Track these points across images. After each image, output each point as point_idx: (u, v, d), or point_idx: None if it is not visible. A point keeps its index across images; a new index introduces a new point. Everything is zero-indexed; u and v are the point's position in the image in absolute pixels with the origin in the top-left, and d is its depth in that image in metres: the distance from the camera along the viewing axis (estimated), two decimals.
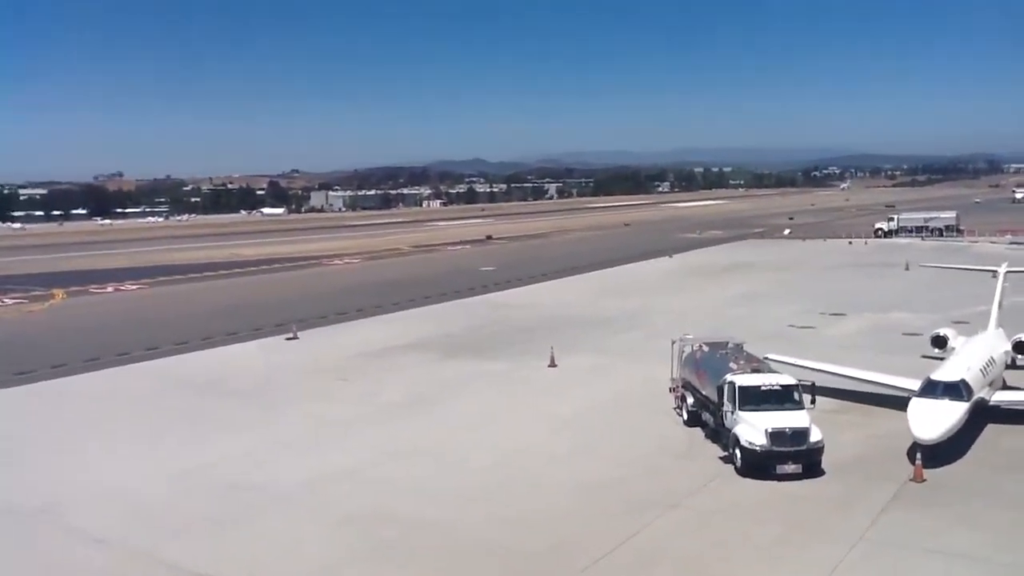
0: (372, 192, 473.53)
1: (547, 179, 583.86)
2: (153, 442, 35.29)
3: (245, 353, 54.70)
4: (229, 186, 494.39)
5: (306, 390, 43.80)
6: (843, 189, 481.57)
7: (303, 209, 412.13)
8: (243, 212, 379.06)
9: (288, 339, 58.10)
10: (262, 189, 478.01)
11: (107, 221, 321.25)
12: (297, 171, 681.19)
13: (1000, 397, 34.89)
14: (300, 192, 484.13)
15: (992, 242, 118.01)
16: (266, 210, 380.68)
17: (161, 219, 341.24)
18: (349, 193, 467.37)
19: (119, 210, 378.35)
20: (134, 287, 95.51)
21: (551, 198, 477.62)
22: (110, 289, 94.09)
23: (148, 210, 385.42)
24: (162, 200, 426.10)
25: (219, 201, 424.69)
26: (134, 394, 44.06)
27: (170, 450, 34.04)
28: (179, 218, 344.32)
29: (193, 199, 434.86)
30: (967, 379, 31.91)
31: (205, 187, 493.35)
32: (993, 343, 38.76)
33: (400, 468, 31.26)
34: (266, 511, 27.59)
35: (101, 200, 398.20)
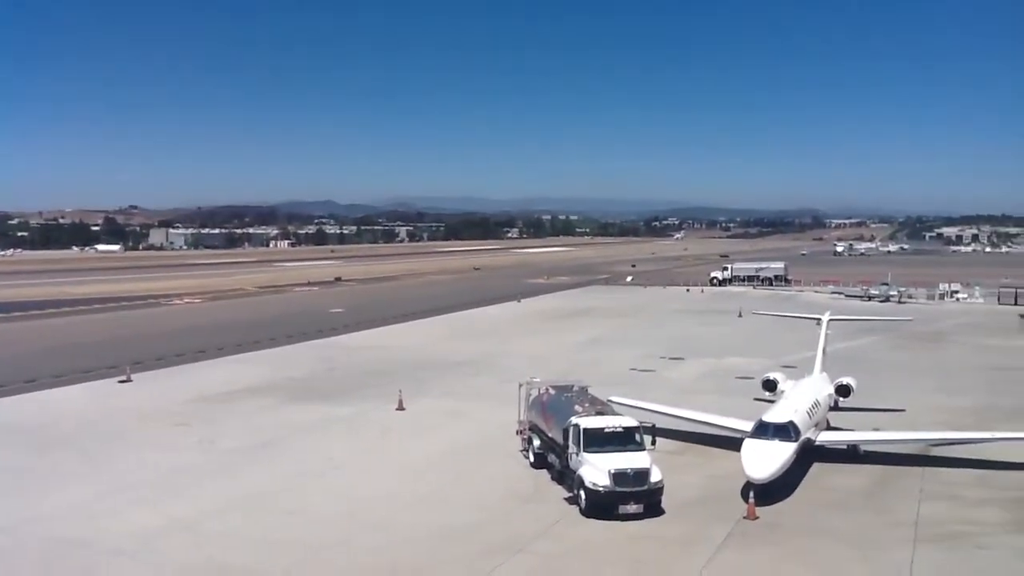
0: (216, 231, 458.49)
1: (398, 222, 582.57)
2: None
3: (72, 397, 51.54)
4: (61, 221, 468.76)
5: (140, 436, 41.63)
6: (677, 239, 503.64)
7: (141, 246, 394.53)
8: (76, 248, 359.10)
9: (121, 382, 55.22)
10: (97, 225, 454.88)
11: None
12: (136, 207, 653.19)
13: (825, 437, 37.08)
14: (139, 229, 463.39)
15: (816, 291, 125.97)
16: (101, 247, 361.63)
17: None
18: (192, 231, 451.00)
19: None
20: None
21: (402, 241, 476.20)
22: None
23: None
24: None
25: (50, 236, 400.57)
26: None
27: None
28: (3, 253, 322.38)
29: (20, 233, 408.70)
30: (795, 420, 33.74)
31: (35, 221, 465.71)
32: (819, 386, 41.21)
33: (241, 519, 30.10)
34: (97, 568, 25.97)
35: None
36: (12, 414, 46.79)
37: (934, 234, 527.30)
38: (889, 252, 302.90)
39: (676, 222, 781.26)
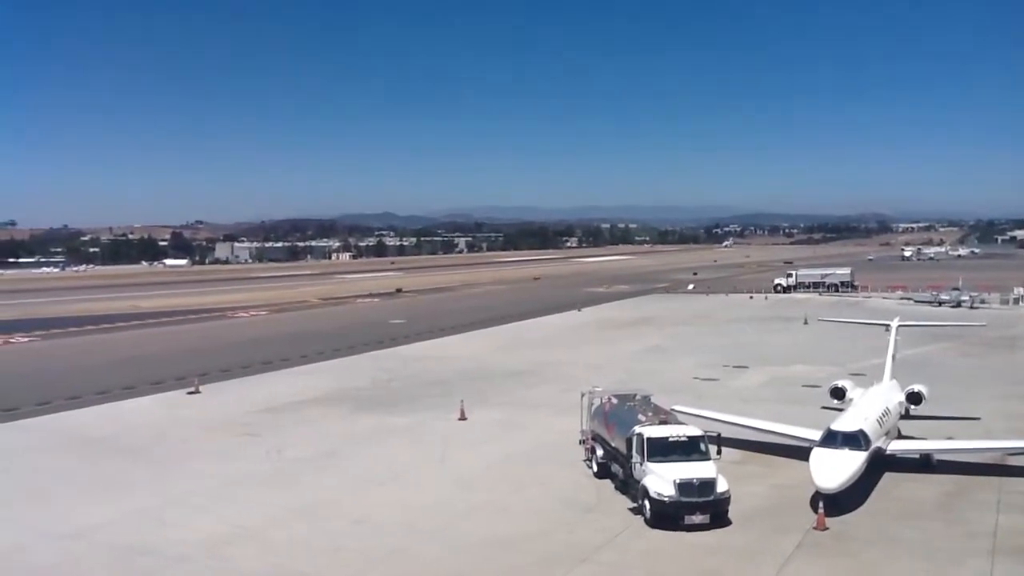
0: (279, 244, 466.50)
1: (457, 233, 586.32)
2: (42, 502, 33.53)
3: (143, 408, 52.71)
4: (130, 236, 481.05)
5: (207, 446, 42.37)
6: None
7: (207, 260, 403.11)
8: (144, 263, 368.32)
9: (190, 393, 56.31)
10: (165, 240, 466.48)
11: None
12: (201, 222, 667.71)
13: (896, 446, 36.08)
14: (204, 243, 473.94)
15: (884, 297, 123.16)
16: (169, 261, 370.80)
17: (57, 269, 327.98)
18: (256, 245, 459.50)
19: (11, 260, 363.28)
20: (25, 340, 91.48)
21: (461, 252, 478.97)
22: None
23: (43, 260, 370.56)
24: (58, 250, 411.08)
25: (119, 252, 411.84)
26: (23, 452, 41.84)
27: (61, 511, 32.38)
28: (76, 268, 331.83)
29: (91, 249, 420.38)
30: (865, 429, 32.90)
31: (104, 237, 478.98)
32: (888, 394, 40.17)
33: (305, 527, 30.36)
34: (163, 574, 26.40)
35: None
36: (85, 425, 48.03)
37: (1006, 237, 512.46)
38: (959, 256, 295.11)
39: (737, 229, 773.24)
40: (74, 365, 71.60)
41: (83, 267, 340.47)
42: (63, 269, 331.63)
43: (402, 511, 31.87)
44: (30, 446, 43.00)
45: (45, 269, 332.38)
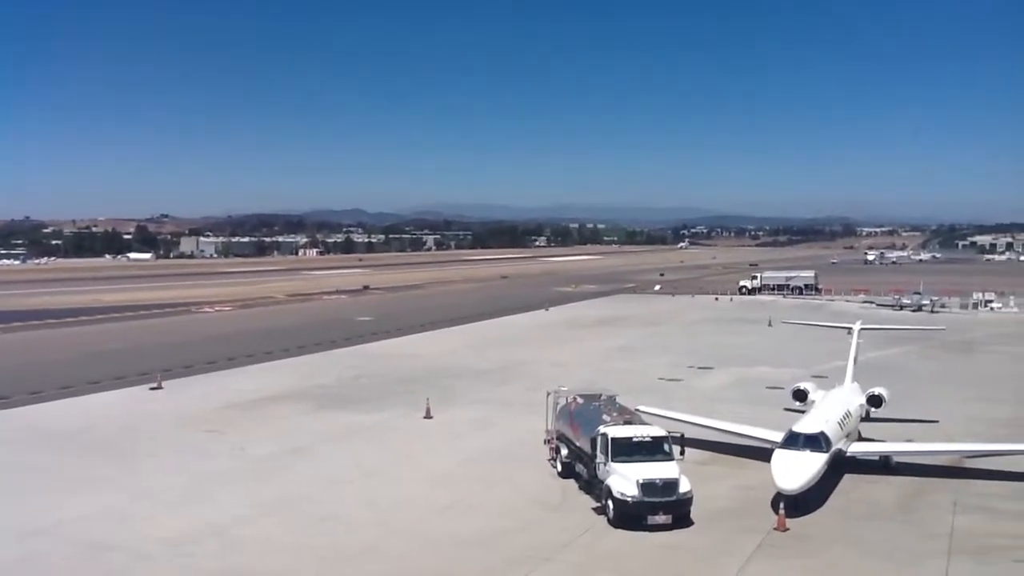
0: (246, 239, 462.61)
1: (425, 231, 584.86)
2: (3, 499, 33.07)
3: (106, 403, 52.13)
4: (94, 229, 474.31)
5: (172, 442, 42.04)
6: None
7: (172, 255, 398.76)
8: (108, 256, 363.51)
9: (152, 389, 55.80)
10: (129, 233, 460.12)
11: None
12: (167, 216, 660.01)
13: (856, 448, 36.66)
14: (170, 237, 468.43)
15: (847, 300, 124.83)
16: (133, 255, 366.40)
17: (18, 262, 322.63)
18: (222, 239, 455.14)
19: None
20: None
21: (429, 250, 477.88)
22: None
23: (4, 252, 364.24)
24: (19, 242, 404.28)
25: (82, 244, 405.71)
26: None
27: (23, 507, 31.99)
28: (38, 261, 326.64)
29: (54, 242, 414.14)
30: (826, 431, 33.40)
31: (68, 230, 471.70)
32: (850, 397, 40.79)
33: (270, 525, 30.28)
34: (128, 572, 26.22)
35: None
36: (48, 419, 47.40)
37: (967, 242, 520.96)
38: (921, 260, 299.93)
39: (704, 230, 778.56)
40: (35, 359, 70.62)
41: (45, 260, 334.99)
42: (24, 262, 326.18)
43: (369, 508, 31.89)
44: None
45: (6, 262, 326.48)
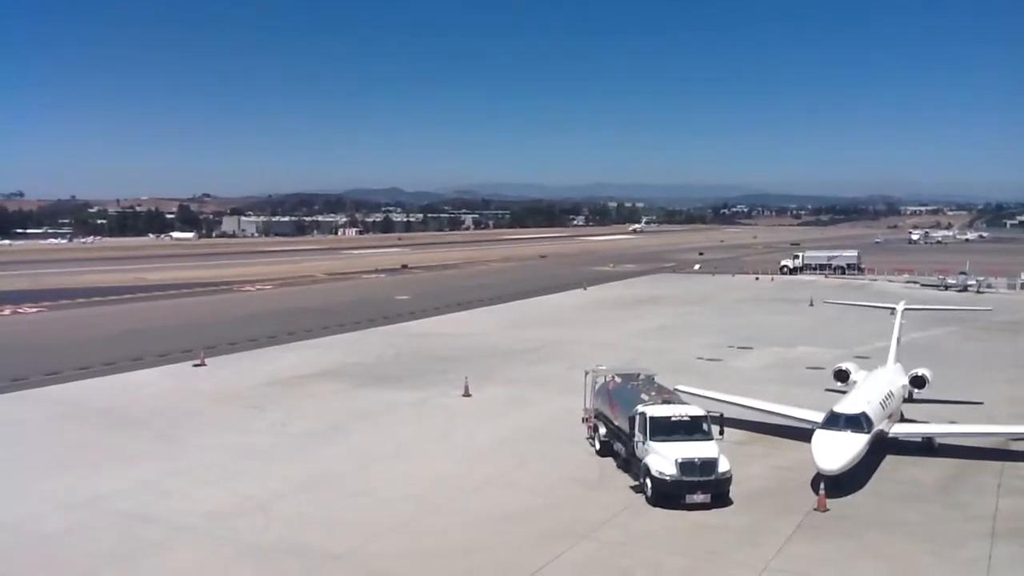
0: (286, 219, 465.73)
1: (464, 210, 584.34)
2: (49, 472, 33.86)
3: (149, 380, 53.03)
4: (137, 209, 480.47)
5: (213, 418, 42.68)
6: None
7: (214, 234, 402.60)
8: (151, 236, 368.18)
9: (195, 365, 56.64)
10: (172, 213, 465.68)
11: (5, 242, 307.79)
12: (208, 195, 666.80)
13: (898, 429, 36.20)
14: (211, 217, 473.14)
15: (890, 280, 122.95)
16: (175, 234, 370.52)
17: (64, 241, 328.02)
18: (262, 219, 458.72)
19: (19, 231, 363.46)
20: (33, 310, 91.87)
21: (467, 229, 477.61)
22: (7, 312, 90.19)
23: (50, 231, 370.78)
24: (66, 221, 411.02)
25: (126, 224, 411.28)
26: (30, 422, 42.22)
27: (67, 481, 32.71)
28: (83, 240, 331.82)
29: (99, 221, 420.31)
30: (868, 412, 33.02)
31: (112, 209, 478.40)
32: (892, 377, 40.27)
33: (310, 499, 30.67)
34: (168, 544, 26.71)
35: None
36: (92, 395, 48.37)
37: (1015, 221, 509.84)
38: (967, 240, 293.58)
39: (745, 209, 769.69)
40: (82, 336, 71.95)
41: (90, 239, 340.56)
42: (70, 241, 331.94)
43: (407, 484, 32.15)
44: (39, 416, 43.38)
45: (52, 240, 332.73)
